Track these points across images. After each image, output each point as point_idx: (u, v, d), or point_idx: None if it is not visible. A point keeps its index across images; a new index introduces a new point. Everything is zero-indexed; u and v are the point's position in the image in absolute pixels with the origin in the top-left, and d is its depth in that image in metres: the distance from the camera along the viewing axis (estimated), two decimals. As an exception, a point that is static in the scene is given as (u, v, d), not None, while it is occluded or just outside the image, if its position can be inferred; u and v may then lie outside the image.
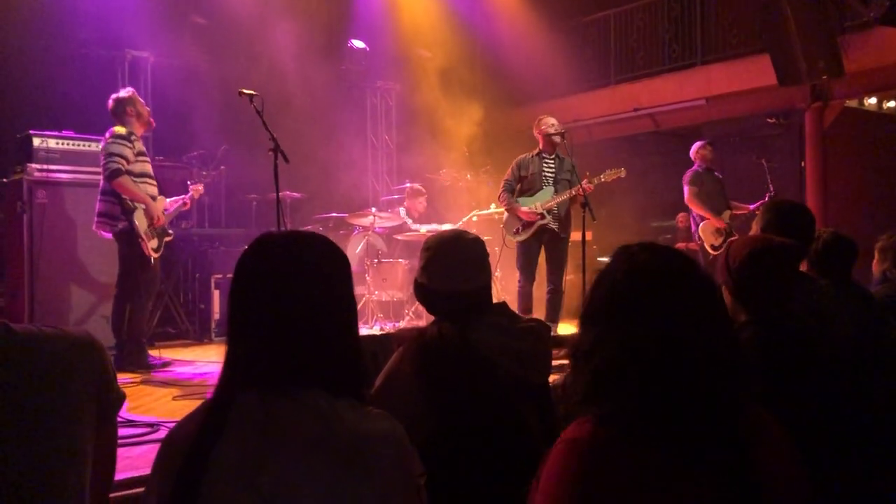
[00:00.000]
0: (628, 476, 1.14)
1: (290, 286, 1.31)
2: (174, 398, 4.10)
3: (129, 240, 5.01)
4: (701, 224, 7.20)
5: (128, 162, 4.99)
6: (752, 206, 7.06)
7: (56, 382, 1.37)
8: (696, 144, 7.44)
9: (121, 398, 1.52)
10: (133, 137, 5.08)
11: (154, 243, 5.11)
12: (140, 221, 5.00)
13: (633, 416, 1.19)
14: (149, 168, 5.24)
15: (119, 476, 2.60)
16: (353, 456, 1.21)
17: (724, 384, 1.22)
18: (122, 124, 5.12)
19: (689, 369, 1.20)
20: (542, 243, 6.15)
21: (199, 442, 1.24)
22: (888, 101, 10.05)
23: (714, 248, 7.12)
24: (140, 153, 5.14)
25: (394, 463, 1.24)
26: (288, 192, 7.14)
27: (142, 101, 5.34)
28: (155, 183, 5.26)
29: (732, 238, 6.98)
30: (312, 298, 1.32)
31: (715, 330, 1.25)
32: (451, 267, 1.99)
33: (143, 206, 5.03)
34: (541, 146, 6.24)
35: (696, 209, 7.16)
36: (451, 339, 1.84)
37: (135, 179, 5.05)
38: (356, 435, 1.22)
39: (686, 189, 7.20)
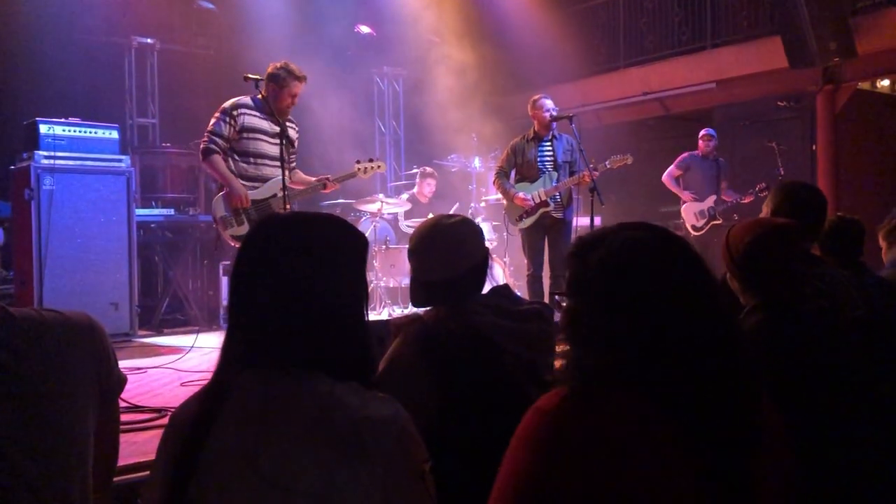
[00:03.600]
0: (591, 448, 1.12)
1: (292, 267, 1.29)
2: (182, 384, 4.11)
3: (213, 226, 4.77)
4: (683, 206, 7.38)
5: (224, 140, 4.70)
6: (746, 199, 7.10)
7: (56, 367, 1.36)
8: (701, 132, 7.75)
9: (122, 381, 1.52)
10: (240, 111, 4.74)
11: (239, 230, 4.68)
12: (217, 206, 4.74)
13: (609, 390, 1.18)
14: (264, 147, 4.80)
15: (126, 461, 2.61)
16: (352, 440, 1.19)
17: (720, 364, 1.20)
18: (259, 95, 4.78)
19: (682, 348, 1.18)
20: (546, 229, 6.03)
21: (198, 422, 1.24)
22: (901, 83, 9.93)
23: (696, 228, 7.28)
24: (250, 129, 4.75)
25: (395, 448, 1.22)
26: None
27: (295, 89, 4.81)
28: (272, 163, 4.77)
29: (716, 222, 7.12)
30: (315, 280, 1.30)
31: (710, 310, 1.24)
32: (430, 256, 1.95)
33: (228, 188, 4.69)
34: (536, 128, 6.10)
35: (670, 186, 7.63)
36: (451, 321, 1.82)
37: (237, 159, 4.76)
38: (356, 419, 1.21)
39: (667, 170, 7.63)
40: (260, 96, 4.80)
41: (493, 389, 1.75)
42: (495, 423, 1.68)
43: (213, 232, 4.91)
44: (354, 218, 7.89)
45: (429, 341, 1.81)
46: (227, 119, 4.72)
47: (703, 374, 1.18)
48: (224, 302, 6.78)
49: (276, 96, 4.79)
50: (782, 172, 7.34)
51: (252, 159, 4.79)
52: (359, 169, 5.09)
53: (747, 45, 9.41)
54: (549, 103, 6.05)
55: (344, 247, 1.35)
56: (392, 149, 10.49)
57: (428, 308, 1.96)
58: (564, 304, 1.28)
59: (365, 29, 9.72)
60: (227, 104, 4.78)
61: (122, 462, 2.58)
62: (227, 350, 1.32)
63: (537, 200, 5.91)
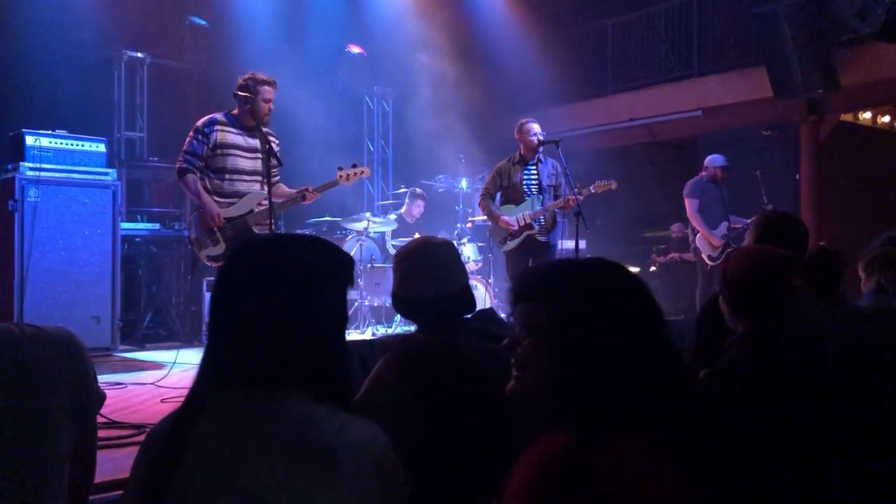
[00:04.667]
0: (603, 485, 1.13)
1: (271, 288, 1.29)
2: (162, 400, 4.08)
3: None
4: (698, 235, 7.23)
5: (199, 159, 4.60)
6: (749, 221, 7.06)
7: (34, 383, 1.35)
8: (717, 160, 7.37)
9: (100, 398, 1.51)
10: (213, 128, 4.65)
11: (214, 250, 4.59)
12: (191, 227, 4.65)
13: (603, 425, 1.19)
14: (239, 162, 4.69)
15: (103, 478, 2.59)
16: (330, 462, 1.19)
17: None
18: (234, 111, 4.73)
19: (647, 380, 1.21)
20: (529, 252, 6.03)
21: (172, 441, 1.23)
22: (883, 115, 10.09)
23: (712, 258, 7.15)
24: (223, 145, 4.64)
25: (372, 472, 1.22)
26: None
27: (267, 93, 4.70)
28: (249, 178, 4.72)
29: (730, 249, 7.01)
30: (295, 302, 1.29)
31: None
32: (424, 273, 1.97)
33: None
34: (521, 151, 6.13)
35: (697, 224, 7.18)
36: (438, 344, 1.83)
37: (212, 176, 4.68)
38: (334, 442, 1.21)
39: (688, 203, 7.22)
40: (234, 112, 4.76)
41: (477, 413, 1.75)
42: (478, 446, 1.68)
43: (191, 253, 4.81)
44: (341, 236, 7.89)
45: (413, 363, 1.81)
46: (201, 137, 4.64)
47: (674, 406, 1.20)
48: (207, 317, 6.74)
49: (253, 107, 4.66)
50: (766, 201, 7.40)
51: (227, 175, 4.68)
52: (341, 176, 4.96)
53: (733, 75, 9.55)
54: (535, 127, 6.09)
55: (324, 269, 1.35)
56: (380, 168, 10.52)
57: (413, 329, 1.97)
58: (523, 344, 1.28)
59: (355, 49, 9.77)
60: (200, 122, 4.71)
61: (99, 479, 2.56)
62: (205, 369, 1.32)
63: (522, 223, 5.93)
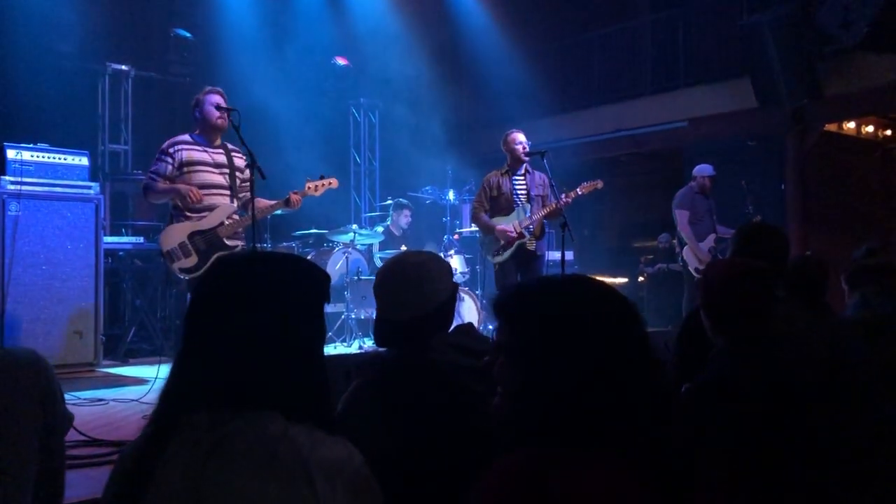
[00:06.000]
0: (574, 497, 1.11)
1: (246, 307, 1.28)
2: (143, 417, 4.02)
3: None
4: (686, 246, 7.22)
5: (164, 178, 4.62)
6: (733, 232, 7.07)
7: (0, 407, 1.32)
8: (706, 170, 7.37)
9: (68, 418, 1.48)
10: (177, 147, 4.67)
11: (186, 262, 4.56)
12: (163, 241, 4.64)
13: (569, 446, 1.17)
14: (208, 177, 4.67)
15: (81, 497, 2.54)
16: (301, 482, 1.17)
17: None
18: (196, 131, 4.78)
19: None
20: (521, 263, 6.00)
21: (142, 460, 1.22)
22: (867, 125, 10.17)
23: (699, 271, 7.14)
24: (189, 162, 4.64)
25: (346, 491, 1.20)
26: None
27: (213, 100, 4.71)
28: (222, 192, 4.71)
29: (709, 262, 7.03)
30: (271, 321, 1.28)
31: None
32: (397, 295, 1.90)
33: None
34: (509, 162, 6.12)
35: (686, 237, 7.17)
36: (411, 361, 1.80)
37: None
38: (307, 461, 1.19)
39: (678, 214, 7.21)
40: (197, 132, 4.78)
41: (454, 429, 1.73)
42: (456, 464, 1.65)
43: (164, 265, 4.79)
44: (327, 248, 7.86)
45: (387, 381, 1.78)
46: (165, 157, 4.67)
47: (649, 423, 1.18)
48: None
49: (204, 117, 4.69)
50: (751, 211, 7.42)
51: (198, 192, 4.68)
52: (309, 187, 4.97)
53: (718, 86, 9.61)
54: (520, 137, 6.09)
55: (301, 287, 1.34)
56: (367, 180, 10.51)
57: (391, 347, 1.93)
58: (499, 360, 1.28)
59: (342, 61, 9.77)
60: (165, 144, 4.73)
61: (76, 498, 2.52)
62: (173, 389, 1.29)
63: (517, 230, 5.93)
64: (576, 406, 1.18)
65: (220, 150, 4.75)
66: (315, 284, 1.37)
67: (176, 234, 4.60)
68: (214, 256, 4.48)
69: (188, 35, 8.46)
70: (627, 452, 1.15)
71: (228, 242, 4.63)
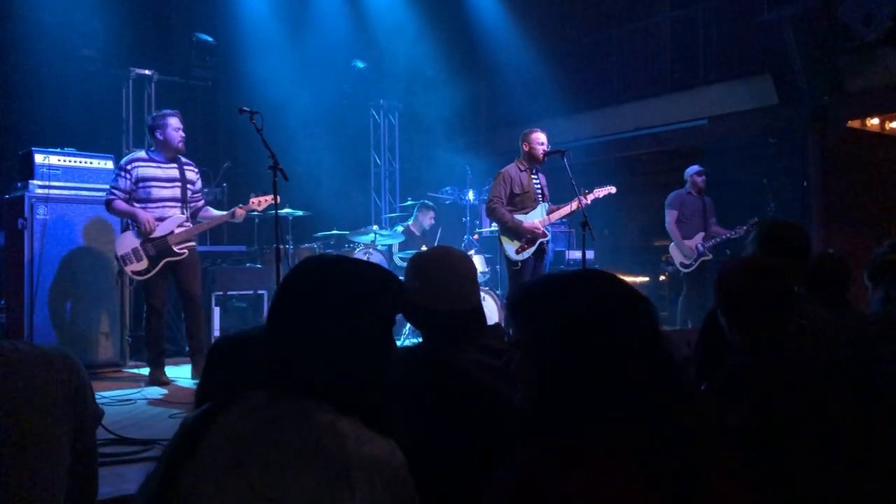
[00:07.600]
0: (585, 494, 1.13)
1: (321, 303, 1.36)
2: (171, 416, 4.09)
3: None
4: (671, 244, 7.47)
5: (122, 192, 5.19)
6: (728, 233, 7.15)
7: (33, 403, 1.36)
8: (692, 169, 7.62)
9: (98, 415, 1.52)
10: (134, 164, 5.23)
11: (138, 266, 5.17)
12: (118, 246, 5.22)
13: (581, 441, 1.19)
14: (160, 192, 5.27)
15: (111, 495, 2.59)
16: (341, 475, 1.21)
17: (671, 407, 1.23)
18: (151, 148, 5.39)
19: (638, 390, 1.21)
20: (536, 260, 6.06)
21: (201, 419, 1.29)
22: (891, 121, 10.04)
23: (685, 266, 7.29)
24: (143, 178, 5.21)
25: (384, 489, 1.23)
26: (289, 210, 7.15)
27: (171, 124, 5.32)
28: (174, 204, 5.31)
29: (706, 258, 7.19)
30: (345, 321, 1.36)
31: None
32: (445, 285, 1.94)
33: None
34: (527, 160, 6.14)
35: (672, 234, 7.43)
36: (440, 360, 1.82)
37: (139, 206, 5.21)
38: (350, 455, 1.23)
39: (666, 213, 7.47)
40: (152, 149, 5.36)
41: (474, 431, 1.75)
42: (474, 458, 1.68)
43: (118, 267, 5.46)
44: (349, 249, 7.91)
45: (411, 379, 1.80)
46: (123, 174, 5.21)
47: (660, 416, 1.20)
48: (216, 333, 6.75)
49: (167, 140, 5.27)
50: (773, 208, 7.39)
51: (151, 204, 5.23)
52: (253, 202, 5.40)
53: (739, 83, 9.54)
54: (542, 137, 6.13)
55: (380, 295, 1.42)
56: (387, 181, 10.55)
57: (421, 342, 1.96)
58: (517, 358, 1.30)
59: (360, 63, 9.82)
60: (123, 161, 5.32)
61: (106, 496, 2.57)
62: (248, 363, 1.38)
63: (541, 228, 5.98)
64: (588, 402, 1.20)
65: (174, 165, 5.34)
66: (392, 294, 1.45)
67: (129, 241, 5.17)
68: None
69: (209, 39, 8.54)
70: (640, 450, 1.17)
71: (177, 249, 5.23)
